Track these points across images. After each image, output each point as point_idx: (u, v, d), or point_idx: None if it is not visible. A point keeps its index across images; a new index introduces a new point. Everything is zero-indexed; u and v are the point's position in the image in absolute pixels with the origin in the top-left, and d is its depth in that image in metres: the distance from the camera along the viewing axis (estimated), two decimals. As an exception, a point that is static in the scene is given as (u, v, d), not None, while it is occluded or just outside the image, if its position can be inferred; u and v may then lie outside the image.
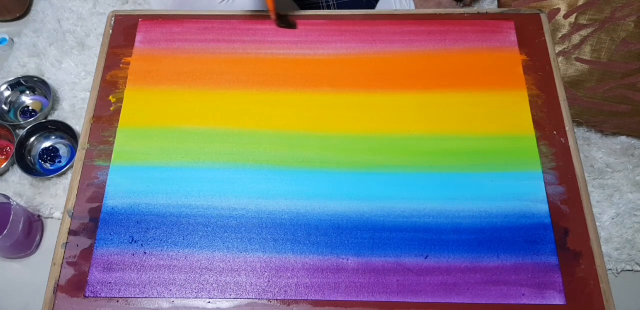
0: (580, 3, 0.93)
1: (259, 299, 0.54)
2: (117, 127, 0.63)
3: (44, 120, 1.00)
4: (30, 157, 1.00)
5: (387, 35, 0.69)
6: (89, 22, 1.15)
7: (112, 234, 0.57)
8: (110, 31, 0.70)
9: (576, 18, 0.93)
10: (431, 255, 0.56)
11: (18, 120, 1.04)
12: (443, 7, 1.06)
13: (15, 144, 0.97)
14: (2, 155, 1.00)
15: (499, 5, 1.03)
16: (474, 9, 0.74)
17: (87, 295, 0.54)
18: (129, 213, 0.58)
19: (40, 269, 0.90)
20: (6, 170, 0.98)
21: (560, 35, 0.94)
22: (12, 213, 0.82)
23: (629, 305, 0.86)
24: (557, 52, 0.93)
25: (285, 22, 0.70)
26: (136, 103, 0.65)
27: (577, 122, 0.99)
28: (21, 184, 0.96)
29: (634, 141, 1.00)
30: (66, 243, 0.57)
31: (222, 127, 0.63)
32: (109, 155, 0.62)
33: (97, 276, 0.55)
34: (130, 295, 0.54)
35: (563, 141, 0.62)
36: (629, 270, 0.89)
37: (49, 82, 1.05)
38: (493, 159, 0.61)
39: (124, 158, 0.62)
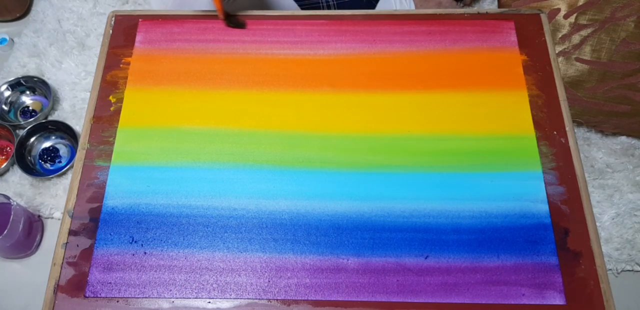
0: (580, 3, 0.93)
1: (259, 299, 0.54)
2: (117, 127, 0.63)
3: (44, 120, 1.00)
4: (30, 157, 1.00)
5: (387, 35, 0.69)
6: (89, 22, 1.15)
7: (112, 234, 0.57)
8: (110, 31, 0.70)
9: (576, 18, 0.93)
10: (431, 255, 0.56)
11: (18, 120, 1.04)
12: (443, 7, 1.06)
13: (15, 144, 0.97)
14: (2, 155, 1.00)
15: (499, 5, 1.03)
16: (474, 9, 0.74)
17: (87, 295, 0.54)
18: (129, 213, 0.58)
19: (40, 269, 0.90)
20: (6, 170, 0.98)
21: (560, 35, 0.94)
22: (12, 213, 0.82)
23: (629, 305, 0.86)
24: (557, 52, 0.93)
25: (234, 21, 0.70)
26: (136, 103, 0.65)
27: (577, 122, 0.99)
28: (21, 184, 0.96)
29: (634, 141, 1.00)
30: (66, 243, 0.57)
31: (222, 127, 0.63)
32: (109, 155, 0.62)
33: (97, 276, 0.55)
34: (130, 295, 0.54)
35: (563, 141, 0.62)
36: (629, 270, 0.89)
37: (49, 82, 1.05)
38: (493, 159, 0.61)
39: (124, 158, 0.62)
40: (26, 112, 1.05)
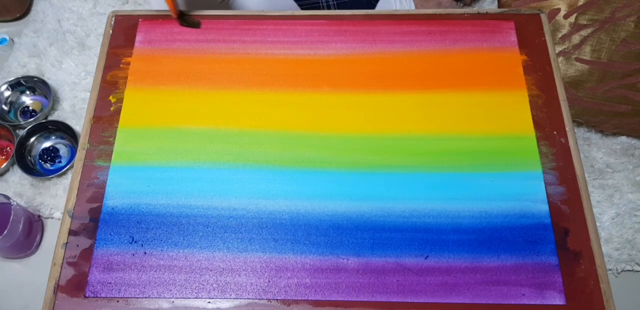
0: (580, 3, 0.93)
1: (259, 299, 0.54)
2: (117, 127, 0.63)
3: (44, 120, 1.00)
4: (30, 157, 1.00)
5: (387, 35, 0.69)
6: (89, 22, 1.15)
7: (112, 234, 0.57)
8: (110, 31, 0.70)
9: (576, 18, 0.93)
10: (431, 255, 0.56)
11: (18, 120, 1.04)
12: (443, 7, 1.06)
13: (15, 144, 0.97)
14: (2, 155, 1.00)
15: (499, 5, 1.03)
16: (474, 9, 0.74)
17: (87, 295, 0.54)
18: (129, 213, 0.58)
19: (40, 269, 0.90)
20: (6, 170, 0.98)
21: (560, 35, 0.94)
22: (12, 213, 0.82)
23: (629, 305, 0.86)
24: (557, 52, 0.93)
25: (188, 21, 0.70)
26: (136, 103, 0.65)
27: (577, 122, 0.99)
28: (21, 184, 0.96)
29: (634, 141, 1.00)
30: (66, 243, 0.57)
31: (222, 127, 0.63)
32: (109, 155, 0.62)
33: (97, 276, 0.55)
34: (130, 295, 0.54)
35: (563, 141, 0.62)
36: (629, 270, 0.89)
37: (49, 82, 1.05)
38: (493, 159, 0.61)
39: (124, 158, 0.62)
40: (26, 112, 1.05)
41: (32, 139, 1.00)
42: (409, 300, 0.54)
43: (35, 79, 1.05)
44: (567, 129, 0.63)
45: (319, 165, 0.61)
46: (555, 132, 0.62)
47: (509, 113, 0.64)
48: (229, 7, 0.89)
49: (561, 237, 0.57)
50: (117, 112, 0.64)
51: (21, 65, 1.10)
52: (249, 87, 0.66)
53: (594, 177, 0.96)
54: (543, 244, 0.56)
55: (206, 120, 0.64)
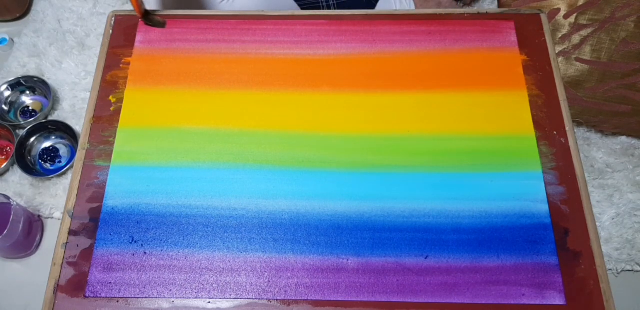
0: (580, 3, 0.93)
1: (259, 299, 0.54)
2: (117, 127, 0.63)
3: (44, 120, 1.00)
4: (30, 157, 1.00)
5: (387, 35, 0.69)
6: (89, 22, 1.15)
7: (112, 234, 0.57)
8: (110, 31, 0.70)
9: (576, 18, 0.93)
10: (431, 255, 0.56)
11: (18, 120, 1.04)
12: (443, 7, 1.06)
13: (15, 144, 0.97)
14: (2, 155, 1.00)
15: (499, 5, 1.03)
16: (474, 9, 0.74)
17: (87, 295, 0.54)
18: (129, 213, 0.58)
19: (40, 269, 0.90)
20: (6, 170, 0.98)
21: (560, 35, 0.94)
22: (12, 213, 0.82)
23: (629, 305, 0.86)
24: (557, 52, 0.93)
25: (152, 20, 0.70)
26: (136, 103, 0.65)
27: (577, 122, 0.99)
28: (21, 184, 0.96)
29: (634, 141, 1.00)
30: (66, 243, 0.57)
31: (222, 127, 0.63)
32: (109, 155, 0.62)
33: (97, 276, 0.55)
34: (130, 295, 0.54)
35: (563, 141, 0.62)
36: (629, 270, 0.89)
37: (49, 82, 1.05)
38: (493, 159, 0.61)
39: (124, 158, 0.62)
40: (26, 112, 1.05)
41: (32, 139, 1.00)
42: (409, 300, 0.54)
43: (35, 79, 1.05)
44: (567, 129, 0.63)
45: (319, 165, 0.61)
46: (555, 132, 0.62)
47: (509, 113, 0.64)
48: (229, 7, 0.89)
49: (561, 237, 0.57)
50: (117, 112, 0.64)
51: (21, 65, 1.10)
52: (249, 87, 0.66)
53: (594, 177, 0.96)
54: (543, 244, 0.56)
55: (206, 120, 0.64)
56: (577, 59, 0.92)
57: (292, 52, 0.68)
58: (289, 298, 0.54)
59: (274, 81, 0.66)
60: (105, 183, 0.60)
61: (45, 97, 1.06)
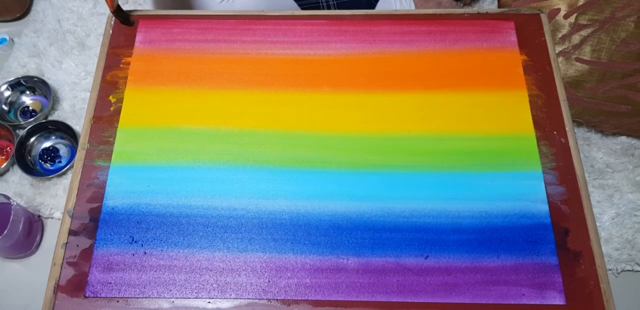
0: (580, 3, 0.93)
1: (259, 299, 0.54)
2: (117, 127, 0.63)
3: (44, 120, 1.00)
4: (30, 157, 1.00)
5: (387, 35, 0.69)
6: (89, 22, 1.15)
7: (112, 234, 0.57)
8: (110, 31, 0.70)
9: (576, 18, 0.93)
10: (431, 255, 0.56)
11: (18, 120, 1.04)
12: (443, 7, 1.06)
13: (15, 144, 0.97)
14: (2, 155, 1.00)
15: (499, 5, 1.03)
16: (474, 9, 0.74)
17: (87, 295, 0.54)
18: (129, 213, 0.58)
19: (40, 269, 0.90)
20: (6, 170, 0.98)
21: (560, 35, 0.94)
22: (12, 213, 0.82)
23: (629, 305, 0.86)
24: (557, 52, 0.93)
25: (122, 16, 0.69)
26: (136, 103, 0.65)
27: (577, 122, 0.99)
28: (21, 184, 0.96)
29: (634, 141, 1.00)
30: (66, 243, 0.57)
31: (222, 127, 0.63)
32: (109, 155, 0.62)
33: (97, 276, 0.55)
34: (130, 295, 0.54)
35: (563, 141, 0.62)
36: (629, 270, 0.89)
37: (49, 82, 1.04)
38: (493, 159, 0.61)
39: (124, 158, 0.62)
40: (26, 112, 1.05)
41: (32, 139, 1.00)
42: (409, 300, 0.54)
43: (35, 79, 1.05)
44: (567, 129, 0.63)
45: (319, 165, 0.61)
46: (555, 132, 0.62)
47: (509, 113, 0.64)
48: (229, 7, 0.89)
49: (561, 237, 0.57)
50: (117, 112, 0.64)
51: (21, 65, 1.10)
52: (249, 87, 0.66)
53: (594, 177, 0.96)
54: (543, 244, 0.56)
55: (206, 120, 0.64)
56: (577, 59, 0.92)
57: (292, 52, 0.68)
58: (289, 298, 0.54)
59: (274, 81, 0.66)
60: (105, 183, 0.60)
61: (45, 97, 1.06)
